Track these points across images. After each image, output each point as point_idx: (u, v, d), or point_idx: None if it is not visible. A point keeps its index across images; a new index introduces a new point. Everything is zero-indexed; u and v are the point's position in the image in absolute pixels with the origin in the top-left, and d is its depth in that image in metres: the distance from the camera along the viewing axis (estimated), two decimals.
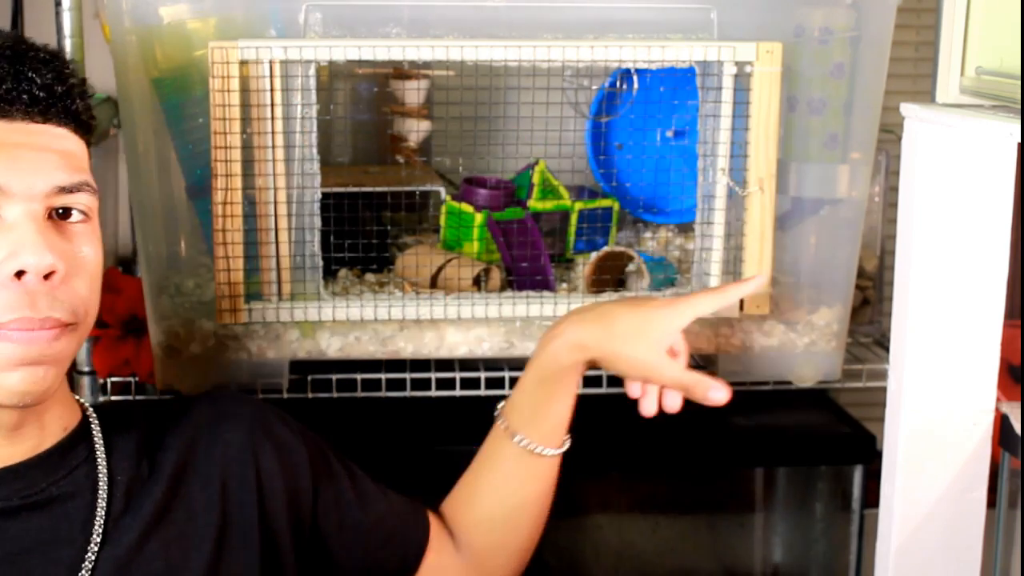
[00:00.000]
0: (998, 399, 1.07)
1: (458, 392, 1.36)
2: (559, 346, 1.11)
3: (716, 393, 1.10)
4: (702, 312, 1.13)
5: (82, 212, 0.91)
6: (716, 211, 1.27)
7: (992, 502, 1.13)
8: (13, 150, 0.87)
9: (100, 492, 0.95)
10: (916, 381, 1.04)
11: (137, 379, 1.35)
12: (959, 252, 1.02)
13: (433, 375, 1.35)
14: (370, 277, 1.36)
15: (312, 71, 1.21)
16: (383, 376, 1.34)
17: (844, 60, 1.28)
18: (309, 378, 1.33)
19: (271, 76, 1.19)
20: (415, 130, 1.47)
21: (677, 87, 1.35)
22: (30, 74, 0.89)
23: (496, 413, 1.15)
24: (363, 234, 1.31)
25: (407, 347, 1.30)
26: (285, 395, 1.32)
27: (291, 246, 1.24)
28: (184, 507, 0.99)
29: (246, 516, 1.02)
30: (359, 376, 1.34)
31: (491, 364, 1.35)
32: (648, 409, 1.13)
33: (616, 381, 1.38)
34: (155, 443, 1.01)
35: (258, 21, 1.22)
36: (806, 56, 1.28)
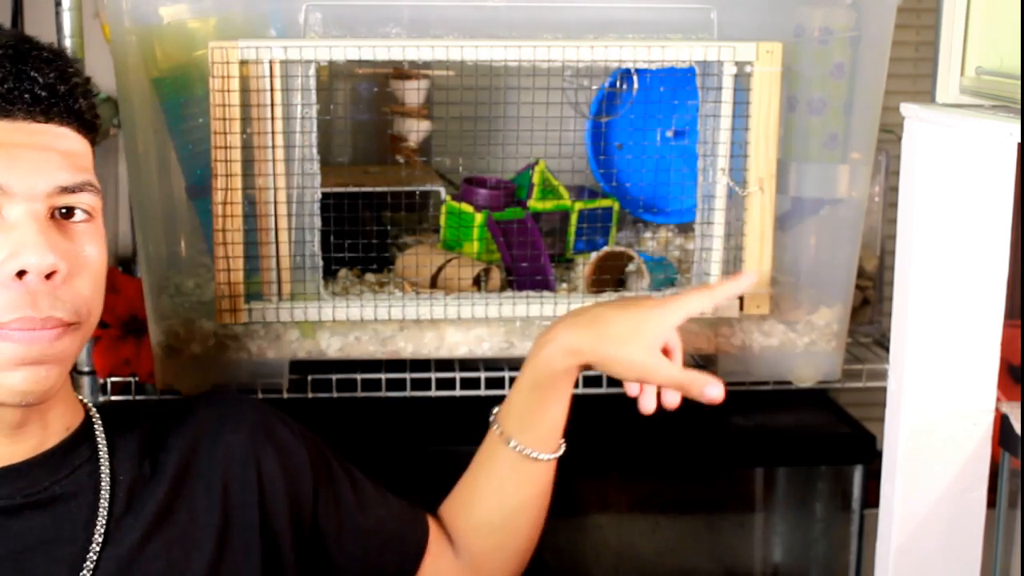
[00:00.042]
0: (998, 399, 1.07)
1: (458, 392, 1.36)
2: (552, 351, 1.11)
3: (712, 390, 1.10)
4: (695, 310, 1.13)
5: (85, 212, 0.91)
6: (716, 211, 1.27)
7: (992, 502, 1.13)
8: (15, 150, 0.87)
9: (102, 492, 0.95)
10: (916, 381, 1.04)
11: (137, 379, 1.35)
12: (959, 252, 1.02)
13: (433, 375, 1.35)
14: (370, 277, 1.36)
15: (312, 71, 1.21)
16: (383, 376, 1.34)
17: (844, 60, 1.28)
18: (309, 378, 1.33)
19: (271, 76, 1.19)
20: (415, 130, 1.47)
21: (677, 87, 1.35)
22: (32, 73, 0.89)
23: (491, 418, 1.15)
24: (363, 234, 1.31)
25: (407, 347, 1.30)
26: (285, 395, 1.32)
27: (291, 246, 1.24)
28: (186, 508, 0.99)
29: (247, 517, 1.02)
30: (359, 376, 1.34)
31: (491, 364, 1.35)
32: (647, 406, 1.13)
33: (616, 381, 1.38)
34: (157, 444, 1.01)
35: (258, 21, 1.22)
36: (806, 56, 1.28)
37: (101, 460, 0.97)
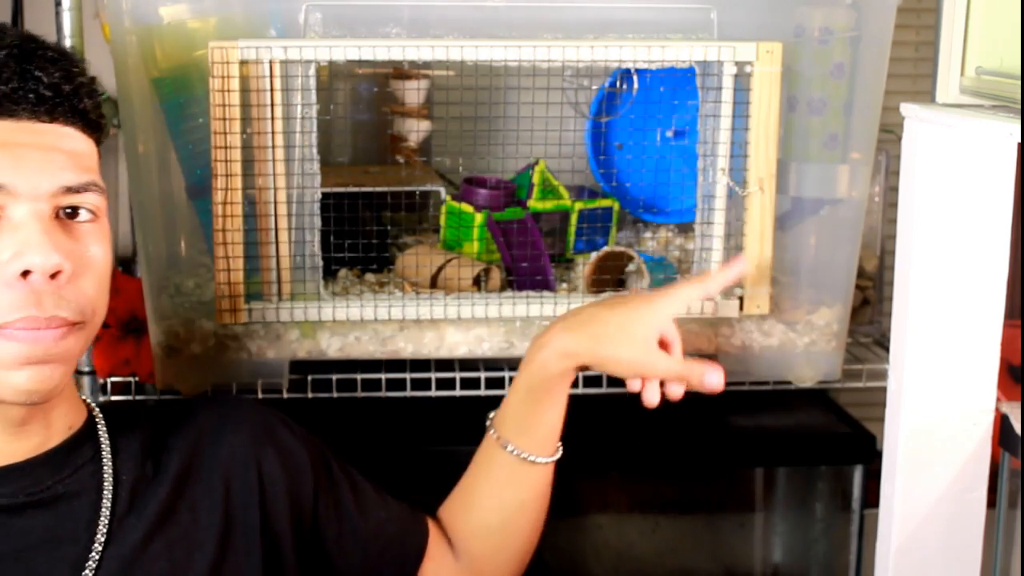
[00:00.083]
0: (998, 399, 1.07)
1: (458, 392, 1.36)
2: (548, 356, 1.11)
3: (711, 377, 1.10)
4: (686, 302, 1.13)
5: (90, 211, 0.91)
6: (716, 211, 1.27)
7: (992, 502, 1.13)
8: (19, 149, 0.87)
9: (105, 491, 0.96)
10: (916, 381, 1.04)
11: (137, 379, 1.35)
12: (959, 252, 1.02)
13: (433, 375, 1.35)
14: (370, 277, 1.36)
15: (312, 71, 1.21)
16: (383, 376, 1.34)
17: (844, 60, 1.28)
18: (309, 378, 1.33)
19: (271, 76, 1.19)
20: (415, 130, 1.47)
21: (677, 87, 1.35)
22: (37, 73, 0.89)
23: (487, 423, 1.15)
24: (363, 234, 1.31)
25: (407, 347, 1.30)
26: (285, 395, 1.32)
27: (291, 246, 1.24)
28: (188, 509, 0.99)
29: (249, 519, 1.02)
30: (359, 376, 1.34)
31: (491, 364, 1.35)
32: (650, 400, 1.13)
33: (616, 380, 1.38)
34: (160, 444, 1.01)
35: (258, 21, 1.22)
36: (806, 56, 1.28)
37: (104, 460, 0.97)
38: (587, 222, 1.42)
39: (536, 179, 1.38)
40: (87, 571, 0.92)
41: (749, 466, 1.70)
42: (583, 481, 1.71)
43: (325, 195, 1.25)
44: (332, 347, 1.29)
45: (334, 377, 1.34)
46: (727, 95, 1.24)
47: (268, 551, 1.03)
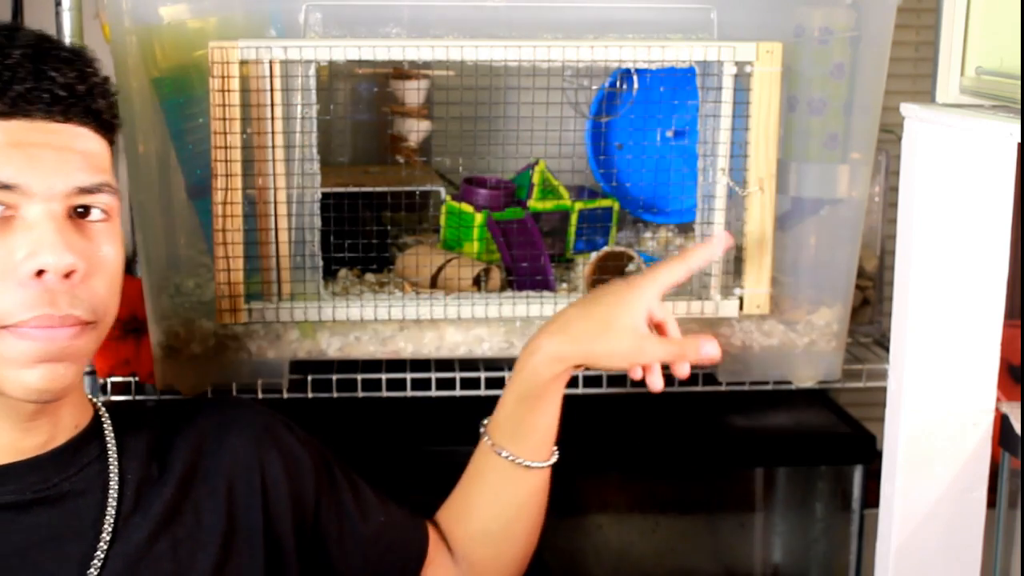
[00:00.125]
0: (998, 399, 1.07)
1: (458, 392, 1.36)
2: (538, 361, 1.10)
3: (707, 348, 1.09)
4: (666, 284, 1.12)
5: (103, 211, 0.91)
6: (716, 211, 1.27)
7: (992, 502, 1.13)
8: (33, 150, 0.87)
9: (111, 490, 0.96)
10: (916, 381, 1.04)
11: (137, 379, 1.35)
12: (959, 252, 1.02)
13: (433, 375, 1.35)
14: (370, 277, 1.36)
15: (312, 71, 1.21)
16: (383, 376, 1.34)
17: (844, 60, 1.28)
18: (309, 378, 1.33)
19: (271, 76, 1.19)
20: (415, 130, 1.46)
21: (677, 87, 1.35)
22: (51, 73, 0.89)
23: (481, 430, 1.15)
24: (363, 234, 1.31)
25: (407, 347, 1.30)
26: (285, 395, 1.32)
27: (291, 246, 1.24)
28: (192, 509, 0.99)
29: (251, 520, 1.02)
30: (359, 376, 1.34)
31: (491, 364, 1.35)
32: (655, 385, 1.12)
33: (616, 381, 1.38)
34: (165, 445, 1.02)
35: (258, 21, 1.22)
36: (806, 56, 1.28)
37: (110, 459, 0.98)
38: (587, 222, 1.42)
39: (536, 179, 1.38)
40: (92, 569, 0.93)
41: (749, 466, 1.70)
42: (583, 481, 1.71)
43: (325, 195, 1.25)
44: (332, 347, 1.29)
45: (334, 377, 1.34)
46: (727, 95, 1.24)
47: (270, 552, 1.03)
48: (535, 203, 1.38)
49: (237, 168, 1.20)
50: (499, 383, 1.34)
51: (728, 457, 1.50)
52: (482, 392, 1.35)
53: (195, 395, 1.28)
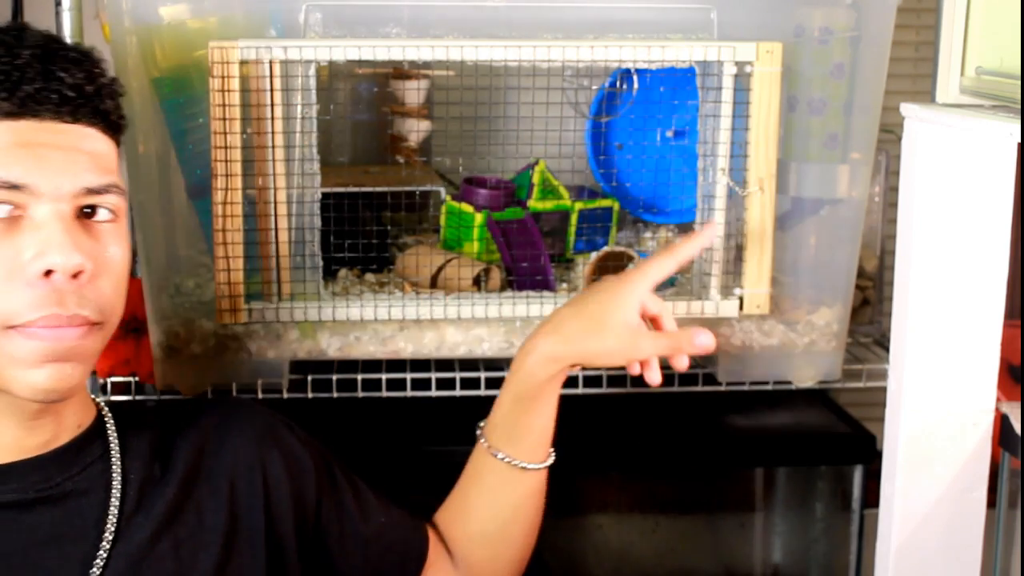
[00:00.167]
0: (998, 399, 1.07)
1: (458, 392, 1.36)
2: (533, 362, 1.10)
3: (701, 339, 1.09)
4: (656, 279, 1.11)
5: (110, 211, 0.92)
6: (716, 211, 1.27)
7: (992, 502, 1.13)
8: (42, 150, 0.88)
9: (114, 490, 0.96)
10: (916, 381, 1.04)
11: (137, 379, 1.35)
12: (959, 252, 1.02)
13: (433, 375, 1.35)
14: (370, 277, 1.36)
15: (312, 71, 1.21)
16: (383, 376, 1.34)
17: (844, 60, 1.28)
18: (309, 378, 1.33)
19: (271, 76, 1.19)
20: (415, 130, 1.46)
21: (677, 87, 1.35)
22: (60, 74, 0.89)
23: (478, 432, 1.15)
24: (363, 234, 1.31)
25: (407, 347, 1.30)
26: (285, 395, 1.32)
27: (291, 246, 1.24)
28: (194, 509, 1.00)
29: (253, 520, 1.02)
30: (359, 376, 1.34)
31: (491, 364, 1.35)
32: (653, 380, 1.12)
33: (616, 381, 1.38)
34: (167, 445, 1.02)
35: (258, 21, 1.22)
36: (806, 56, 1.28)
37: (113, 458, 0.98)
38: (587, 222, 1.42)
39: (536, 179, 1.38)
40: (95, 568, 0.93)
41: (749, 466, 1.70)
42: (583, 481, 1.71)
43: (325, 195, 1.25)
44: (332, 347, 1.29)
45: (334, 377, 1.34)
46: (727, 95, 1.24)
47: (272, 552, 1.03)
48: (535, 203, 1.38)
49: (237, 168, 1.20)
50: (499, 383, 1.33)
51: (728, 457, 1.50)
52: (482, 392, 1.35)
53: (195, 395, 1.28)
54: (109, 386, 1.35)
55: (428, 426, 1.44)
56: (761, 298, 1.30)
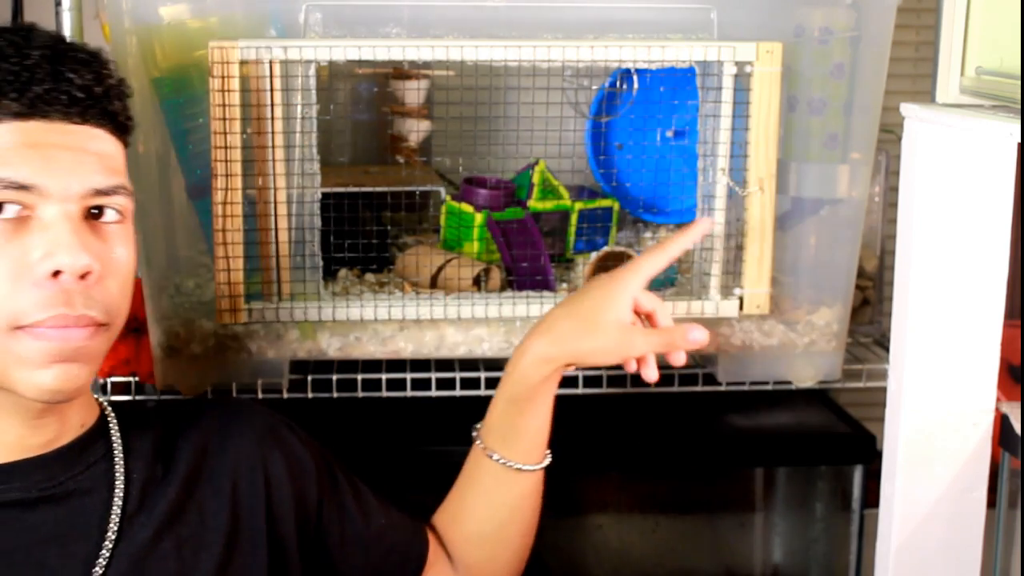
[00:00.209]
0: (998, 399, 1.07)
1: (458, 392, 1.36)
2: (527, 364, 1.10)
3: (694, 335, 1.08)
4: (648, 275, 1.11)
5: (117, 212, 0.92)
6: (716, 211, 1.27)
7: (992, 502, 1.13)
8: (50, 151, 0.88)
9: (116, 490, 0.96)
10: (916, 381, 1.04)
11: (137, 379, 1.35)
12: (959, 252, 1.02)
13: (433, 375, 1.35)
14: (370, 277, 1.36)
15: (312, 71, 1.21)
16: (383, 376, 1.34)
17: (844, 60, 1.28)
18: (309, 378, 1.33)
19: (271, 76, 1.19)
20: (415, 130, 1.47)
21: (677, 87, 1.35)
22: (69, 75, 0.89)
23: (473, 434, 1.15)
24: (363, 234, 1.31)
25: (407, 347, 1.30)
26: (285, 395, 1.32)
27: (291, 246, 1.24)
28: (196, 509, 1.00)
29: (255, 520, 1.02)
30: (359, 376, 1.34)
31: (491, 364, 1.35)
32: (649, 376, 1.11)
33: (616, 380, 1.38)
34: (169, 445, 1.02)
35: (258, 21, 1.22)
36: (806, 56, 1.28)
37: (116, 458, 0.98)
38: (587, 222, 1.42)
39: (536, 179, 1.38)
40: (97, 568, 0.93)
41: (749, 466, 1.70)
42: (583, 481, 1.71)
43: (325, 195, 1.25)
44: (332, 347, 1.29)
45: (334, 377, 1.34)
46: (727, 95, 1.24)
47: (273, 553, 1.03)
48: (535, 203, 1.38)
49: (237, 168, 1.20)
50: (498, 383, 1.34)
51: (728, 457, 1.50)
52: (482, 392, 1.35)
53: (196, 395, 1.28)
54: (109, 386, 1.35)
55: (428, 426, 1.44)
56: (761, 298, 1.30)
